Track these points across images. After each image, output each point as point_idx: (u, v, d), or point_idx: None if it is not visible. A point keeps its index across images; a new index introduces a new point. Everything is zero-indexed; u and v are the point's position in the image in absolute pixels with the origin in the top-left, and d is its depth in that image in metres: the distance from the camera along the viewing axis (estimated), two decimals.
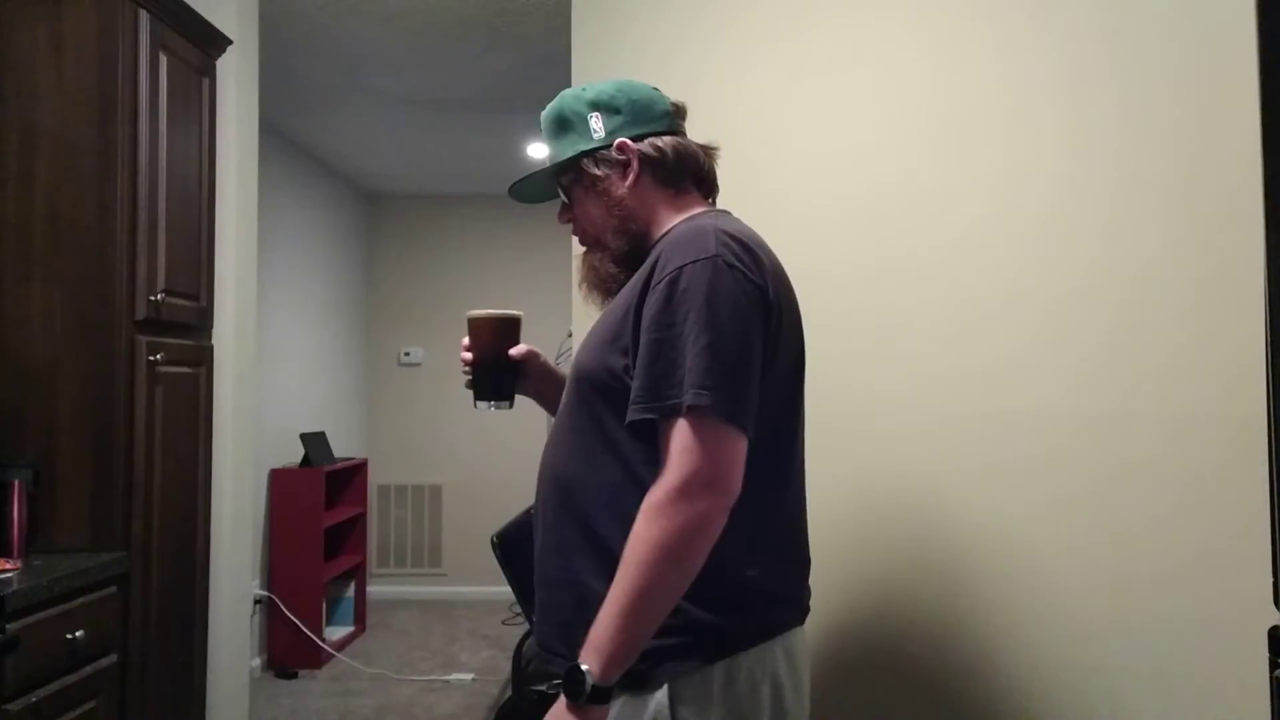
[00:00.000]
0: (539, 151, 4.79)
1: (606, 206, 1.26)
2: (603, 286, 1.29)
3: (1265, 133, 1.10)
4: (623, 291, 1.21)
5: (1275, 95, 1.09)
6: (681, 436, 1.04)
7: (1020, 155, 1.78)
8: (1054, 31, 1.76)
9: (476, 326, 1.40)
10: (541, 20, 3.18)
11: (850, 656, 1.85)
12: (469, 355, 1.41)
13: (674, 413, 1.04)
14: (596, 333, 1.21)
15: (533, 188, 1.37)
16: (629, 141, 1.24)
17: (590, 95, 1.27)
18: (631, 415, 1.08)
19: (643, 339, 1.09)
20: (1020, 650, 1.73)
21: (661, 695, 1.07)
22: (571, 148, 1.28)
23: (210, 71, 2.47)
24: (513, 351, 1.39)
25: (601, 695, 1.03)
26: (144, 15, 2.16)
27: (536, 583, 1.22)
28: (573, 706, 1.03)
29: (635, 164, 1.24)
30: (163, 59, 2.22)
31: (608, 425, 1.13)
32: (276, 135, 4.47)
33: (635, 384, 1.08)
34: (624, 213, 1.25)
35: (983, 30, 1.82)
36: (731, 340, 1.06)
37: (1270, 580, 1.10)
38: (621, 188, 1.24)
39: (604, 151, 1.25)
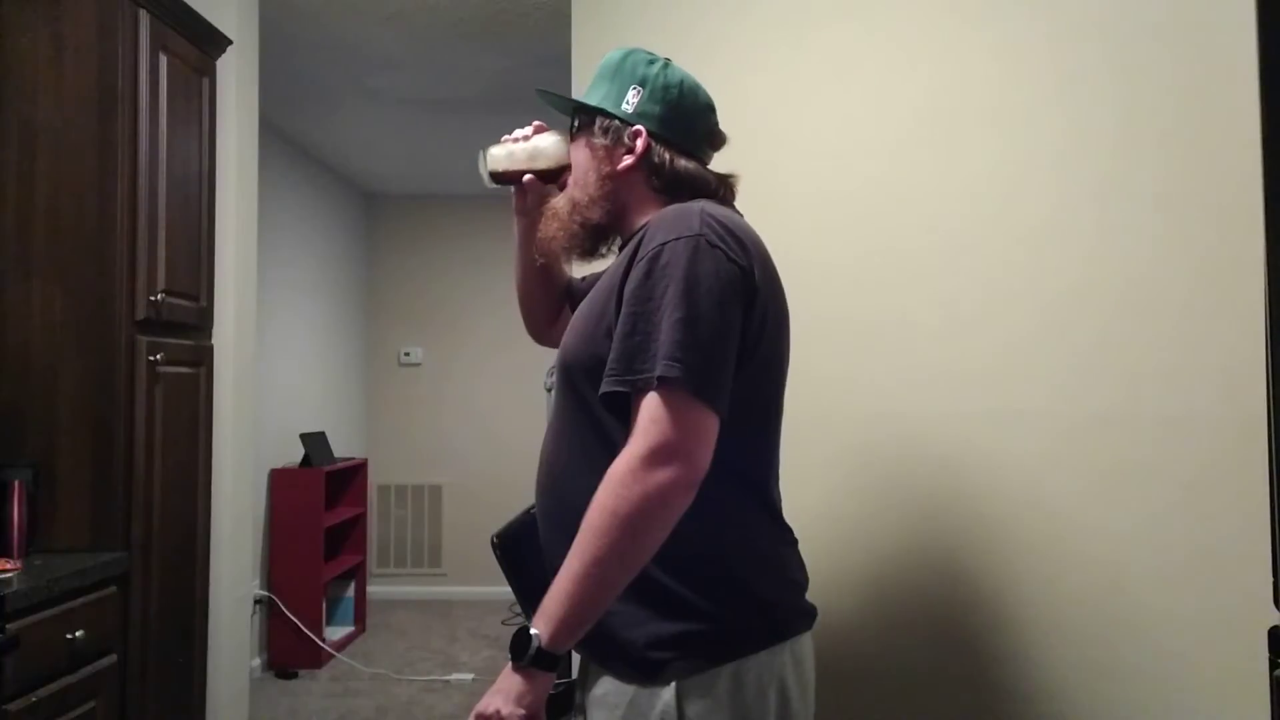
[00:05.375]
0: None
1: (595, 170, 1.25)
2: (557, 241, 1.27)
3: (1265, 133, 1.10)
4: (605, 275, 1.21)
5: (1276, 96, 1.09)
6: (650, 408, 1.03)
7: (1017, 155, 1.78)
8: (1049, 33, 1.76)
9: (557, 157, 1.36)
10: (541, 20, 3.18)
11: (846, 656, 1.85)
12: (530, 133, 1.37)
13: (645, 386, 1.03)
14: (581, 319, 1.20)
15: (553, 100, 1.35)
16: (645, 133, 1.22)
17: (650, 71, 1.24)
18: (604, 387, 1.07)
19: (621, 313, 1.08)
20: (1018, 651, 1.73)
21: (669, 693, 1.06)
22: (598, 98, 1.26)
23: (210, 71, 2.47)
24: (529, 189, 1.37)
25: (548, 661, 1.03)
26: (144, 15, 2.16)
27: (548, 571, 1.23)
28: (517, 668, 1.03)
29: (635, 157, 1.22)
30: (163, 59, 2.22)
31: (598, 412, 1.12)
32: (276, 135, 4.47)
33: (610, 356, 1.07)
34: (604, 188, 1.24)
35: (979, 33, 1.82)
36: (707, 317, 1.05)
37: (1270, 580, 1.10)
38: (611, 165, 1.23)
39: (618, 123, 1.23)
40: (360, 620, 4.91)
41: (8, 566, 1.87)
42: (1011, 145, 1.78)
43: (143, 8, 2.15)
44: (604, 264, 1.35)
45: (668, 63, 1.27)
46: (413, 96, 4.00)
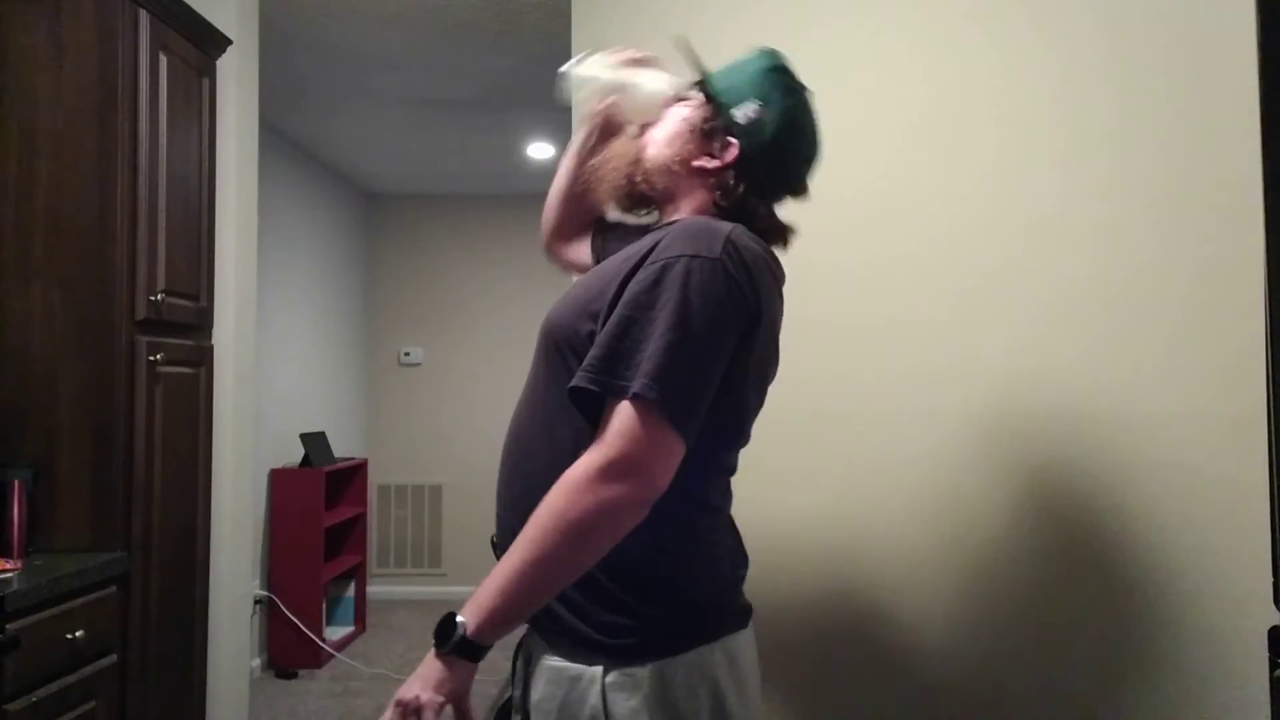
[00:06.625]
0: (539, 151, 4.79)
1: (676, 146, 1.21)
2: (605, 183, 1.26)
3: (1265, 132, 1.10)
4: (612, 260, 1.17)
5: (1276, 95, 1.09)
6: (620, 420, 1.00)
7: (1016, 154, 1.78)
8: (1049, 31, 1.76)
9: (642, 110, 1.31)
10: (541, 20, 3.18)
11: (844, 656, 1.85)
12: (635, 58, 1.36)
13: (619, 394, 1.01)
14: (574, 293, 1.18)
15: (692, 61, 1.28)
16: (739, 153, 1.18)
17: (782, 100, 1.19)
18: (576, 381, 1.04)
19: (616, 311, 1.06)
20: (1018, 651, 1.73)
21: (595, 696, 1.06)
22: (724, 85, 1.21)
23: (210, 71, 2.47)
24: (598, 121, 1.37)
25: (472, 651, 1.01)
26: (144, 15, 2.16)
27: (499, 533, 1.20)
28: (439, 654, 1.01)
29: (716, 165, 1.19)
30: (163, 59, 2.22)
31: (565, 387, 1.10)
32: (276, 135, 4.47)
33: (592, 352, 1.05)
34: (673, 168, 1.21)
35: (979, 31, 1.82)
36: (699, 344, 1.03)
37: (1270, 580, 1.10)
38: (692, 153, 1.20)
39: (720, 124, 1.19)
40: (360, 620, 4.91)
41: (8, 566, 1.87)
42: (1011, 145, 1.78)
43: (143, 8, 2.15)
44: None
45: (804, 98, 1.22)
46: (413, 96, 4.00)
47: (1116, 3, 1.71)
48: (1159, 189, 1.66)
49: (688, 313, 1.03)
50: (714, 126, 1.20)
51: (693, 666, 1.08)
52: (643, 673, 1.06)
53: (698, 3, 2.11)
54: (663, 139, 1.24)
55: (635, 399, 1.00)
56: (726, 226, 1.11)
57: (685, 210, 1.22)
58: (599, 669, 1.06)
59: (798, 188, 1.26)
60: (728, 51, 2.04)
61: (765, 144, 1.19)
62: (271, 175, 4.19)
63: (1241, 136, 1.51)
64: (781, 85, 1.21)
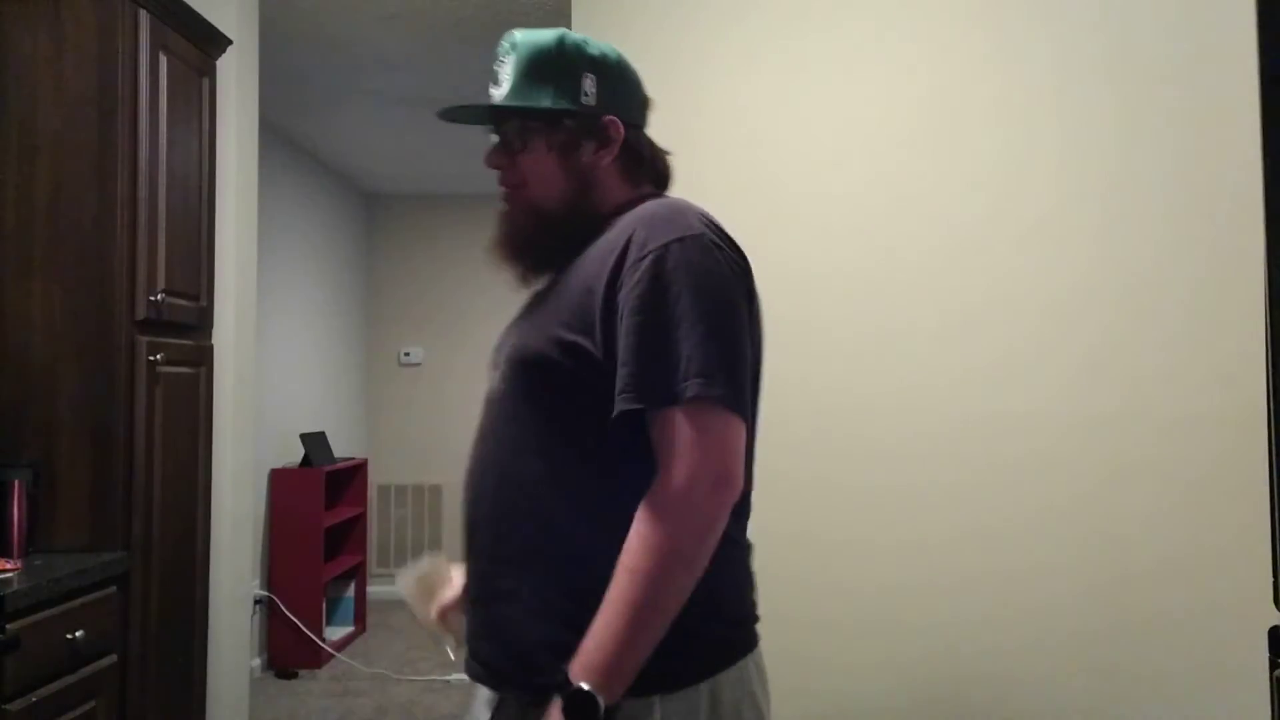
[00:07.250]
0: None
1: (566, 172, 1.16)
2: (526, 252, 1.20)
3: (1265, 134, 1.10)
4: (582, 266, 1.10)
5: (1276, 96, 1.09)
6: (685, 429, 0.95)
7: (1017, 156, 1.78)
8: (1050, 34, 1.76)
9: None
10: (541, 20, 3.18)
11: (848, 659, 1.85)
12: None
13: (671, 403, 0.96)
14: (539, 312, 1.12)
15: (470, 112, 1.23)
16: (619, 121, 1.15)
17: (594, 52, 1.16)
18: (621, 405, 0.98)
19: (626, 322, 0.99)
20: (1019, 651, 1.73)
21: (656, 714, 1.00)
22: (552, 99, 1.15)
23: (210, 71, 2.47)
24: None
25: (612, 715, 0.94)
26: (144, 15, 2.16)
27: (472, 599, 1.13)
28: None
29: (617, 146, 1.15)
30: (163, 59, 2.22)
31: (558, 411, 1.05)
32: (276, 135, 4.47)
33: (622, 372, 0.98)
34: (582, 185, 1.16)
35: (980, 34, 1.82)
36: (727, 325, 1.00)
37: (1270, 580, 1.10)
38: (592, 162, 1.15)
39: (584, 122, 1.15)
40: (360, 620, 4.91)
41: (8, 566, 1.87)
42: (1013, 146, 1.78)
43: (143, 8, 2.15)
44: None
45: (585, 38, 1.19)
46: (413, 96, 4.00)
47: (1117, 3, 1.71)
48: (1161, 191, 1.66)
49: (703, 297, 0.99)
50: (585, 127, 1.15)
51: (736, 681, 1.04)
52: (697, 694, 1.00)
53: (698, 3, 2.11)
54: (546, 175, 1.17)
55: (694, 401, 0.95)
56: (683, 202, 1.10)
57: (613, 201, 1.16)
58: (655, 699, 0.98)
59: (648, 101, 1.23)
60: (729, 51, 2.04)
61: (620, 97, 1.17)
62: (271, 175, 4.19)
63: (1245, 137, 1.51)
64: (581, 43, 1.18)
